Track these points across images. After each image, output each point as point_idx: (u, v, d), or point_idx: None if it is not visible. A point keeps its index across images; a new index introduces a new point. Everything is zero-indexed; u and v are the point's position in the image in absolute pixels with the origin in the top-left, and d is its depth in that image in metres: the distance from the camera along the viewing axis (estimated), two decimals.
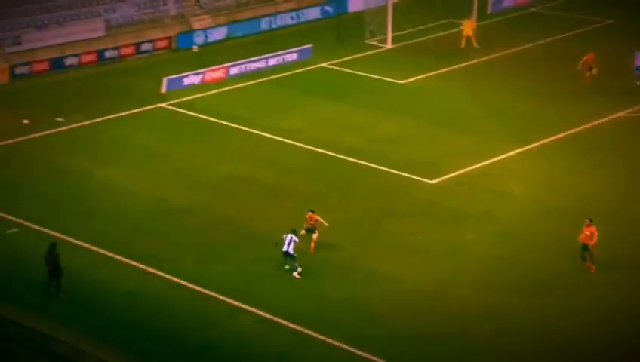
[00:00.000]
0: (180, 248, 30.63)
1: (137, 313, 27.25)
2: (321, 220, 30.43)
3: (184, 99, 44.05)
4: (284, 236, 28.84)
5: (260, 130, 40.43)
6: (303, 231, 29.89)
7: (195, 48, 51.93)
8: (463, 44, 51.36)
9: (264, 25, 55.14)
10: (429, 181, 35.61)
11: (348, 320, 27.10)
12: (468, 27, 51.53)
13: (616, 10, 56.32)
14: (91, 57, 48.58)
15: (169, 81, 44.95)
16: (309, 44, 50.33)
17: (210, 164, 36.99)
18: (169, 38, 51.50)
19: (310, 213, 30.37)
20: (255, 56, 48.41)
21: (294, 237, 28.74)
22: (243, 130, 40.58)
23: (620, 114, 42.12)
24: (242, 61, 47.75)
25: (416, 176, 35.95)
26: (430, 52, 50.67)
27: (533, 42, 51.88)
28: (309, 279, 29.00)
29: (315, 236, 30.02)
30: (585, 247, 29.27)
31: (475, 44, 51.32)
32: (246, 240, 31.10)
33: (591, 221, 29.33)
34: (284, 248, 28.71)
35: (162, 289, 28.29)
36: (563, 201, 34.10)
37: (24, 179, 35.12)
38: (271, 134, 40.09)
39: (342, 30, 52.85)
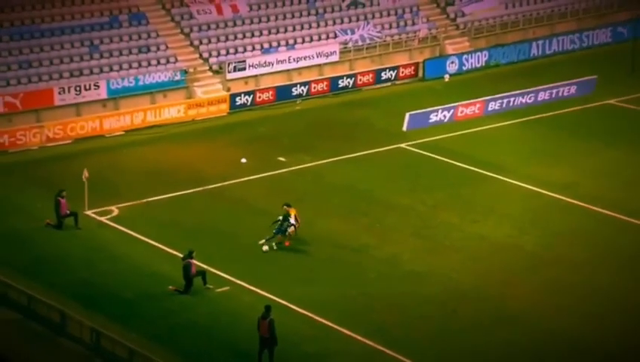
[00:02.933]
0: (414, 322, 31.23)
1: None
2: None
3: (429, 139, 45.00)
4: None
5: (521, 181, 40.53)
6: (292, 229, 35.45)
7: (447, 77, 52.95)
8: None
9: (535, 50, 55.35)
10: None
11: None
12: None
13: None
14: (322, 86, 50.89)
15: (412, 116, 46.08)
16: (592, 74, 49.91)
17: (457, 222, 37.49)
18: (415, 64, 52.90)
19: (286, 207, 35.54)
20: (521, 88, 48.68)
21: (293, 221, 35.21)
22: (500, 180, 40.85)
23: None
24: (504, 94, 48.12)
25: None
26: None
27: None
28: None
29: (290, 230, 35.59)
30: None
31: None
32: (495, 320, 31.23)
33: None
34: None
35: None
36: None
37: (238, 230, 37.17)
38: (536, 187, 40.07)
39: (639, 58, 51.97)
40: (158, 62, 49.10)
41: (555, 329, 30.75)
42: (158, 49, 49.65)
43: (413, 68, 52.73)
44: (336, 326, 30.93)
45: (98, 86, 47.02)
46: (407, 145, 44.57)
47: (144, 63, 48.81)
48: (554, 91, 48.84)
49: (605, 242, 35.92)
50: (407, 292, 32.78)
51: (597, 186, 40.12)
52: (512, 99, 47.93)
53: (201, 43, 50.78)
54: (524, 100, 48.13)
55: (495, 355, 29.61)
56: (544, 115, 47.44)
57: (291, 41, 51.92)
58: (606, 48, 55.95)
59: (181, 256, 33.49)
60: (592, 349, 29.80)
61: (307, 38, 52.25)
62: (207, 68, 50.21)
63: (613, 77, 50.73)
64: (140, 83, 47.84)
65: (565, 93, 48.99)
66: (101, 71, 47.90)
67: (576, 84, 49.41)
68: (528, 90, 48.44)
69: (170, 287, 32.97)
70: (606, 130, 45.89)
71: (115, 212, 38.43)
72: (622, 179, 40.84)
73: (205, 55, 50.49)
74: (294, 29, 52.46)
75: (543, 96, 48.57)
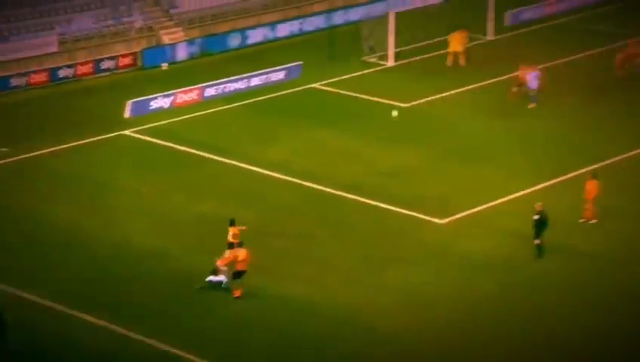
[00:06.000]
0: (150, 301, 31.45)
1: None
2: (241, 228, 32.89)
3: (151, 125, 45.15)
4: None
5: (240, 162, 41.46)
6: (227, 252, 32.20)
7: (165, 66, 53.14)
8: (450, 61, 51.99)
9: (248, 39, 56.29)
10: (438, 221, 36.65)
11: None
12: (456, 41, 51.82)
13: None
14: (42, 77, 49.76)
15: (134, 104, 46.11)
16: (298, 61, 51.55)
17: (184, 202, 37.98)
18: (134, 54, 52.75)
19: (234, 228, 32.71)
20: (234, 75, 49.63)
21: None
22: (221, 162, 41.61)
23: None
24: (219, 81, 49.00)
25: (424, 214, 36.98)
26: (439, 71, 51.90)
27: (555, 59, 52.79)
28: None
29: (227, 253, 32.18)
30: None
31: (462, 62, 51.83)
32: (228, 290, 32.03)
33: None
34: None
35: (137, 350, 28.93)
36: (592, 246, 35.16)
37: None
38: (253, 166, 41.10)
39: (335, 46, 54.01)
40: None
41: (278, 293, 31.78)
42: None
43: (131, 57, 52.56)
44: (68, 310, 30.54)
45: None
46: (131, 132, 44.53)
47: None
48: (264, 77, 50.19)
49: (317, 213, 37.31)
50: (142, 270, 32.98)
51: (308, 163, 41.51)
52: (227, 85, 48.93)
53: None
54: (238, 86, 49.25)
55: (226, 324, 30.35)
56: (257, 98, 48.61)
57: (6, 33, 50.31)
58: (310, 36, 57.69)
59: None
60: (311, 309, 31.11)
61: (24, 30, 50.84)
62: None
63: (315, 63, 52.42)
64: None
65: (275, 79, 50.46)
66: None
67: (284, 69, 50.96)
68: (241, 76, 49.50)
69: None
70: (313, 110, 47.51)
71: None
72: (331, 155, 42.40)
73: None
74: (9, 21, 50.88)
75: (255, 81, 49.82)
